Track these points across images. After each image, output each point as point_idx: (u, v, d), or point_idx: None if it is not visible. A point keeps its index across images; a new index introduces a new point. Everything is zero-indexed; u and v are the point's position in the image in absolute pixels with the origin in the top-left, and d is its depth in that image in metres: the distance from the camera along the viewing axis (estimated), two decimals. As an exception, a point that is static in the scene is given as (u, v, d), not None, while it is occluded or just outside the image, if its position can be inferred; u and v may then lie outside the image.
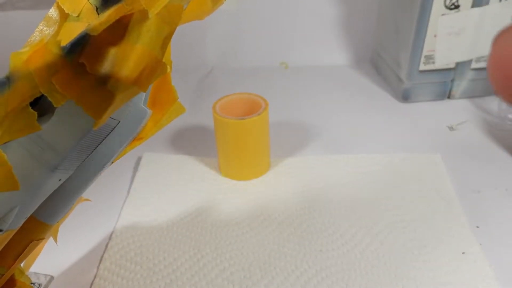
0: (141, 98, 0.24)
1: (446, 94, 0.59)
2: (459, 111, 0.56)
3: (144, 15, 0.20)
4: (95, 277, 0.37)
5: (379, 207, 0.42)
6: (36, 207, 0.22)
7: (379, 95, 0.62)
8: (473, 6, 0.52)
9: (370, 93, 0.62)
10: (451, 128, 0.53)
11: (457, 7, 0.52)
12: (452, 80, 0.58)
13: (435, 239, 0.39)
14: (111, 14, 0.19)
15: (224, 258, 0.38)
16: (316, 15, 0.70)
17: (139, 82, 0.20)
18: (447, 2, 0.51)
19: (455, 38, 0.54)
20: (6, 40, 0.70)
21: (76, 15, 0.22)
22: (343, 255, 0.38)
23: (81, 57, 0.19)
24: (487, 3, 0.52)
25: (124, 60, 0.20)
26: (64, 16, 0.22)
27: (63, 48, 0.19)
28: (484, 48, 0.55)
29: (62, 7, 0.22)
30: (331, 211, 0.42)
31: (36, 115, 0.19)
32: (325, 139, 0.53)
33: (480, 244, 0.38)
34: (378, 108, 0.59)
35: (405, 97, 0.59)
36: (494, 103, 0.57)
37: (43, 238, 0.25)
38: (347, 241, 0.39)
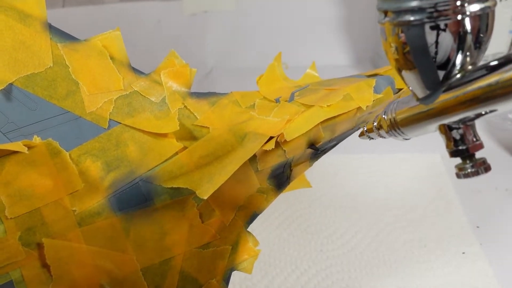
0: None
1: (446, 94, 0.59)
2: (459, 111, 0.56)
3: None
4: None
5: (379, 207, 0.42)
6: None
7: (379, 95, 0.62)
8: (473, 6, 0.52)
9: (370, 93, 0.62)
10: (451, 128, 0.53)
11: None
12: (452, 80, 0.58)
13: (435, 239, 0.39)
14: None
15: (224, 258, 0.38)
16: (316, 15, 0.70)
17: None
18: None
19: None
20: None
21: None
22: (343, 255, 0.38)
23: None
24: (487, 3, 0.52)
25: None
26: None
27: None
28: (484, 48, 0.55)
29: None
30: (331, 211, 0.42)
31: None
32: (325, 139, 0.53)
33: (480, 244, 0.38)
34: (378, 108, 0.58)
35: (405, 97, 0.59)
36: (494, 103, 0.56)
37: None
38: (347, 241, 0.39)
